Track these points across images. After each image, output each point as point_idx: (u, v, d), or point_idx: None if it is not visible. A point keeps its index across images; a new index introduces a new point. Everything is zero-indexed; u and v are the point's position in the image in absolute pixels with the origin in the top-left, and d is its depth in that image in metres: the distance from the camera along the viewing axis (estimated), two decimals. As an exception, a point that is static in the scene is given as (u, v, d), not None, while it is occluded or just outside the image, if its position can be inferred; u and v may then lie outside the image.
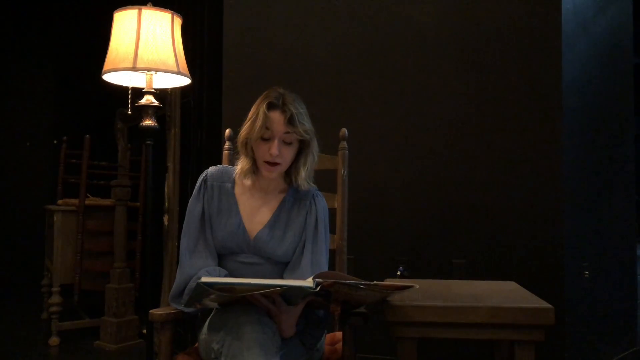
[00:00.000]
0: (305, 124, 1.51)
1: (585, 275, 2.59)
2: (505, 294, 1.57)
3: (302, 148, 1.56)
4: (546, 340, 1.39)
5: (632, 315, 3.02)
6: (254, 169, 1.57)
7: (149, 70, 2.06)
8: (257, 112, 1.49)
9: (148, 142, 2.22)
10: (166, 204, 3.13)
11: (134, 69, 2.01)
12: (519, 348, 1.40)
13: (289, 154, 1.53)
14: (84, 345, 3.35)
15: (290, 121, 1.47)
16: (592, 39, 2.73)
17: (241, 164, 1.57)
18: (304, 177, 1.57)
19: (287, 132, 1.49)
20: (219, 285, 1.25)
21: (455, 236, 2.54)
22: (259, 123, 1.47)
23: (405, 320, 1.40)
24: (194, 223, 1.59)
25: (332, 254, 1.77)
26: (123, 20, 2.06)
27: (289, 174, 1.60)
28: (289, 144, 1.51)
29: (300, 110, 1.50)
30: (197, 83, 3.02)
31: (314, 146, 1.56)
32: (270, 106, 1.48)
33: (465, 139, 2.55)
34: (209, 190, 1.61)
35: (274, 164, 1.51)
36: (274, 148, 1.48)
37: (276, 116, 1.48)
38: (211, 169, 1.66)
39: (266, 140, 1.50)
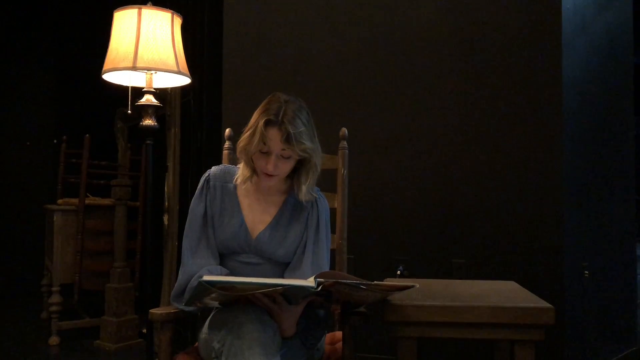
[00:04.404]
0: (304, 143, 1.46)
1: (585, 275, 2.59)
2: (505, 294, 1.57)
3: (304, 162, 1.54)
4: (546, 340, 1.39)
5: (632, 315, 3.02)
6: (254, 175, 1.57)
7: (149, 69, 2.06)
8: (255, 125, 1.46)
9: (148, 142, 2.22)
10: (166, 203, 3.13)
11: (134, 68, 2.01)
12: (518, 348, 1.40)
13: (286, 167, 1.51)
14: (83, 345, 3.35)
15: (287, 140, 1.44)
16: (592, 38, 2.73)
17: (241, 171, 1.57)
18: (304, 192, 1.56)
19: (284, 150, 1.47)
20: (220, 283, 1.25)
21: (455, 236, 2.54)
22: (256, 138, 1.45)
23: (405, 320, 1.40)
24: (196, 223, 1.59)
25: (332, 253, 1.77)
26: (123, 20, 2.06)
27: (291, 178, 1.59)
28: (287, 158, 1.49)
29: (300, 128, 1.45)
30: (197, 83, 3.02)
31: (316, 160, 1.53)
32: (268, 123, 1.44)
33: (465, 139, 2.55)
34: (211, 190, 1.61)
35: (272, 175, 1.51)
36: (271, 165, 1.47)
37: (274, 134, 1.45)
38: (214, 168, 1.65)
39: (264, 153, 1.48)
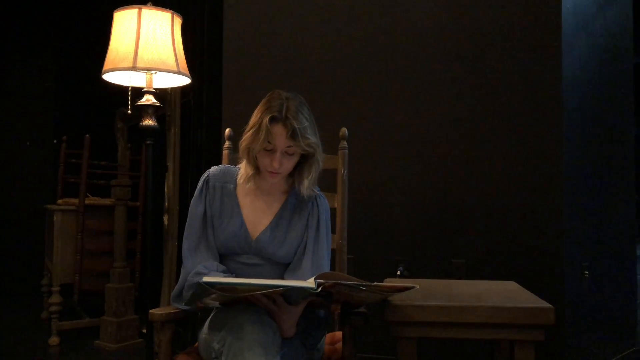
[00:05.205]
0: (309, 137, 1.47)
1: (585, 275, 2.59)
2: (505, 294, 1.57)
3: (306, 158, 1.54)
4: (546, 340, 1.39)
5: (632, 315, 3.02)
6: (257, 174, 1.56)
7: (149, 69, 2.06)
8: (259, 123, 1.46)
9: (148, 142, 2.22)
10: (166, 203, 3.13)
11: (134, 68, 2.01)
12: (518, 348, 1.40)
13: (289, 164, 1.51)
14: (83, 345, 3.34)
15: (293, 136, 1.44)
16: (592, 39, 2.73)
17: (244, 170, 1.57)
18: (307, 186, 1.55)
19: (290, 146, 1.47)
20: (220, 284, 1.25)
21: (455, 236, 2.54)
22: (261, 136, 1.44)
23: (405, 320, 1.40)
24: (195, 223, 1.59)
25: (332, 253, 1.77)
26: (123, 20, 2.06)
27: (292, 176, 1.59)
28: (291, 154, 1.50)
29: (304, 123, 1.46)
30: (197, 83, 3.02)
31: (318, 156, 1.53)
32: (273, 119, 1.44)
33: (465, 139, 2.55)
34: (210, 191, 1.61)
35: (276, 173, 1.51)
36: (276, 161, 1.47)
37: (278, 130, 1.45)
38: (213, 169, 1.65)
39: (269, 151, 1.48)
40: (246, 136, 1.50)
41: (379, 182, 2.63)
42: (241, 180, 1.58)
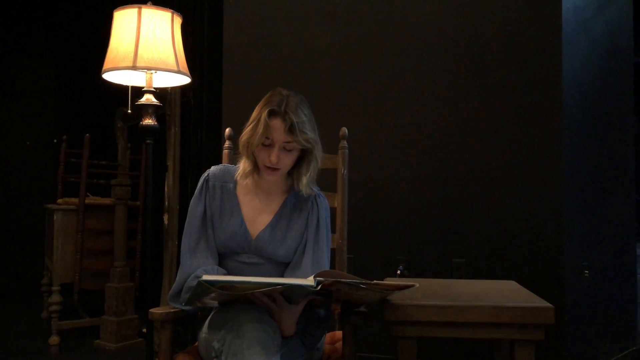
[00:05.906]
0: (307, 133, 1.48)
1: (585, 275, 2.59)
2: (505, 294, 1.57)
3: (305, 155, 1.54)
4: (546, 340, 1.39)
5: (632, 315, 3.01)
6: (255, 171, 1.57)
7: (149, 69, 2.06)
8: (258, 117, 1.47)
9: (148, 141, 2.22)
10: (166, 203, 3.13)
11: (134, 68, 2.01)
12: (519, 347, 1.40)
13: (288, 160, 1.51)
14: (84, 344, 3.35)
15: (291, 130, 1.45)
16: (592, 38, 2.73)
17: (243, 166, 1.57)
18: (305, 183, 1.56)
19: (288, 141, 1.48)
20: (220, 283, 1.25)
21: (455, 236, 2.53)
22: (259, 130, 1.45)
23: (405, 320, 1.40)
24: (195, 223, 1.59)
25: (332, 253, 1.77)
26: (123, 19, 2.06)
27: (292, 175, 1.59)
28: (290, 150, 1.50)
29: (302, 118, 1.47)
30: (197, 82, 3.02)
31: (317, 153, 1.54)
32: (272, 113, 1.45)
33: (465, 139, 2.55)
34: (210, 190, 1.61)
35: (274, 169, 1.51)
36: (274, 155, 1.47)
37: (277, 124, 1.45)
38: (213, 168, 1.65)
39: (267, 146, 1.49)
40: (246, 131, 1.51)
41: (379, 182, 2.63)
42: (239, 177, 1.58)
